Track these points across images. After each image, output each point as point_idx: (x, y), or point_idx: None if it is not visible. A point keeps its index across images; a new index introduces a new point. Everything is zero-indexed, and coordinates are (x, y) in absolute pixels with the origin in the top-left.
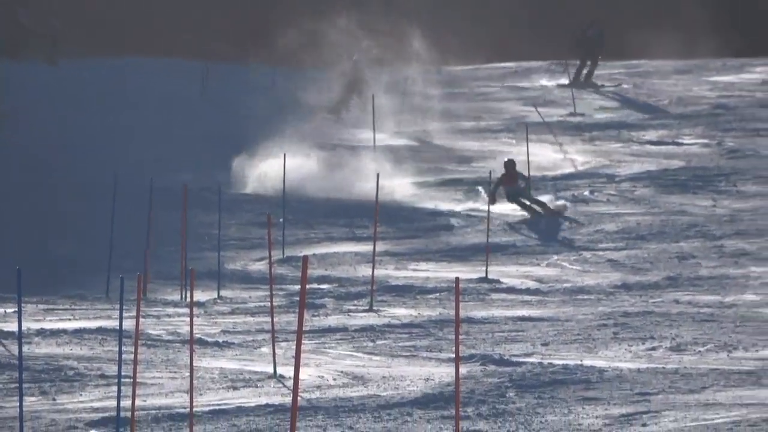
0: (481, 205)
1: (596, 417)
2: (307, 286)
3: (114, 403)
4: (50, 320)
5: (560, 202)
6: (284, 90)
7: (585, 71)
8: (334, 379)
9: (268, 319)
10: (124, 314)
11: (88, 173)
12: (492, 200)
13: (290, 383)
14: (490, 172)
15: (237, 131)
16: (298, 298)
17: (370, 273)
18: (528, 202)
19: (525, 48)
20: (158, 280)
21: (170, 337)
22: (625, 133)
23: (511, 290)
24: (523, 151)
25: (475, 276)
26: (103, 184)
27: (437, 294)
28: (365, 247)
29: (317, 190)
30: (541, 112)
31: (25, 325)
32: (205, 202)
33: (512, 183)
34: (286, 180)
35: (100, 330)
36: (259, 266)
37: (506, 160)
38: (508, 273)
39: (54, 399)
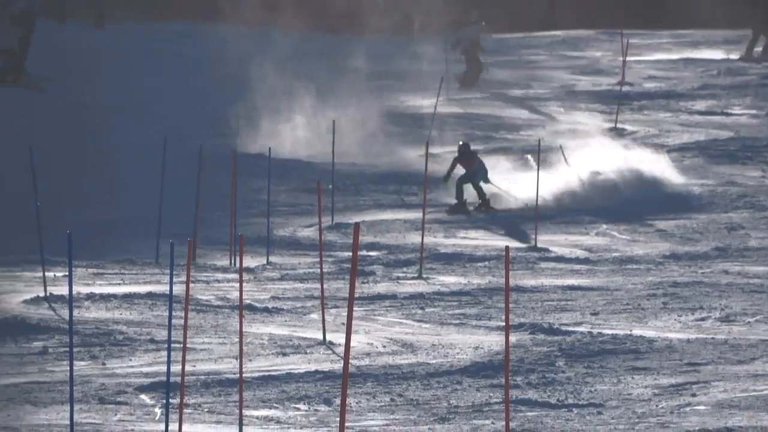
0: (530, 173)
1: (645, 387)
2: (357, 253)
3: (163, 368)
4: (100, 285)
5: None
6: (333, 55)
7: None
8: (384, 347)
9: (318, 285)
10: (174, 279)
11: (137, 137)
12: (446, 178)
13: (339, 350)
14: (539, 140)
15: (288, 97)
16: (347, 265)
17: (420, 240)
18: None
19: (573, 17)
20: (207, 245)
21: (220, 303)
22: (674, 102)
23: (560, 259)
24: (572, 119)
25: (524, 245)
26: (152, 148)
27: (486, 262)
28: (414, 215)
29: (367, 157)
30: (590, 81)
31: (75, 290)
32: (253, 167)
33: (470, 165)
34: (336, 146)
35: (149, 295)
36: (309, 232)
37: (460, 143)
38: (557, 242)
39: (104, 363)
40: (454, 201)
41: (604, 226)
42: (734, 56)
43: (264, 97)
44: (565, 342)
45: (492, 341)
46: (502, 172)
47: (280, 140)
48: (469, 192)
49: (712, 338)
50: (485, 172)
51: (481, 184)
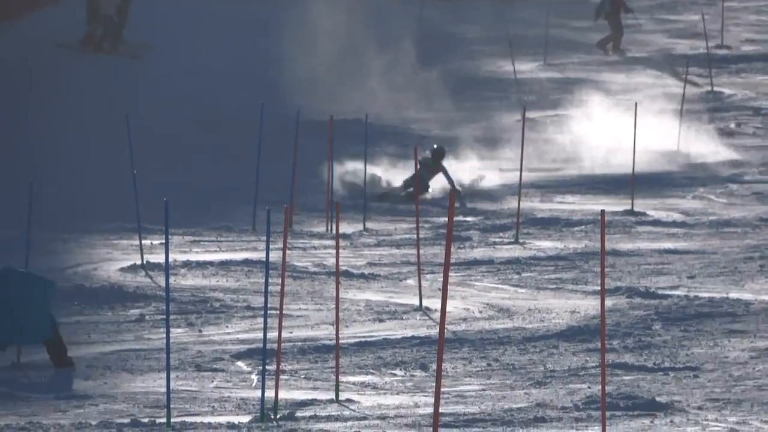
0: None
1: (742, 350)
2: (453, 219)
3: (260, 335)
4: (197, 252)
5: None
6: (430, 23)
7: None
8: (480, 312)
9: (414, 251)
10: (271, 246)
11: (233, 103)
12: (402, 189)
13: (436, 315)
14: (635, 104)
15: (387, 63)
16: (443, 231)
17: (516, 205)
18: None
19: None
20: (304, 212)
21: (316, 269)
22: None
23: (656, 223)
24: (668, 83)
25: (620, 208)
26: (249, 114)
27: (583, 226)
28: (511, 179)
29: (463, 122)
30: (688, 44)
31: (171, 257)
32: (350, 133)
33: (433, 172)
34: (433, 111)
35: (246, 262)
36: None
37: (434, 146)
38: (654, 205)
39: (200, 330)
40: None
41: (701, 189)
42: None
43: (360, 63)
44: (661, 306)
45: (588, 305)
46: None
47: (377, 105)
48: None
49: None
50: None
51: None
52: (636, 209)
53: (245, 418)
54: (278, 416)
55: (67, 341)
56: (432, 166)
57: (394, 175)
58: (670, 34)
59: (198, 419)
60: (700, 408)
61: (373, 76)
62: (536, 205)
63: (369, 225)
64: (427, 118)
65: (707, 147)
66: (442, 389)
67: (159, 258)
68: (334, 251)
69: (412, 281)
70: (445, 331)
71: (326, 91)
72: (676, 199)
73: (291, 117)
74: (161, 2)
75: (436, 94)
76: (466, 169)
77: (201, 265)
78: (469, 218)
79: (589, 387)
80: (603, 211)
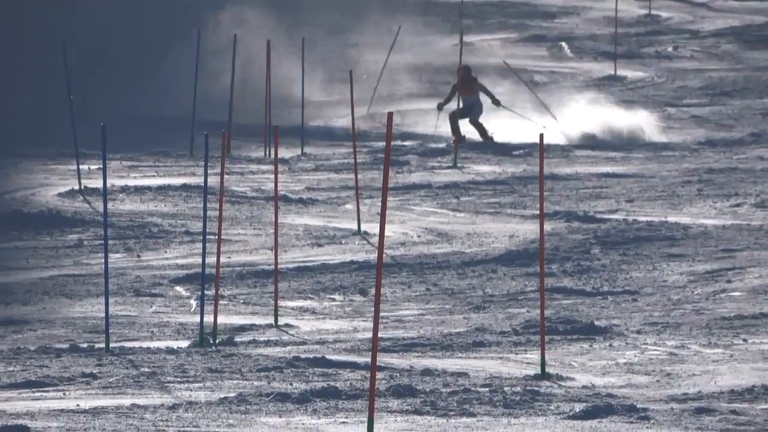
0: (564, 61)
1: (681, 273)
2: (391, 143)
3: (198, 260)
4: (134, 177)
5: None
6: None
7: None
8: (419, 236)
9: (352, 176)
10: (209, 171)
11: (174, 28)
12: (440, 106)
13: (374, 240)
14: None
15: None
16: (381, 155)
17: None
18: (474, 126)
19: None
20: (242, 136)
21: (254, 194)
22: None
23: (594, 147)
24: (607, 6)
25: (557, 132)
26: (187, 39)
27: (521, 150)
28: (449, 104)
29: (401, 46)
30: None
31: (109, 182)
32: (288, 57)
33: (468, 93)
34: (367, 35)
35: (184, 187)
36: (343, 123)
37: (462, 65)
38: (591, 129)
39: (139, 256)
40: (452, 139)
41: (639, 112)
42: None
43: None
44: (600, 230)
45: (527, 229)
46: (536, 60)
47: (317, 28)
48: (467, 128)
49: (747, 224)
50: (480, 106)
51: (495, 106)
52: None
53: (184, 343)
54: (217, 341)
55: (4, 267)
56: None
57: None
58: None
59: (137, 344)
60: (638, 332)
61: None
62: (474, 129)
63: (307, 149)
64: (361, 42)
65: (645, 72)
66: (381, 314)
67: (97, 183)
68: (272, 176)
69: (350, 206)
70: (384, 255)
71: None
72: (614, 123)
73: (228, 40)
74: None
75: (375, 19)
76: (398, 95)
77: (139, 190)
78: (407, 142)
79: (528, 311)
80: (542, 135)
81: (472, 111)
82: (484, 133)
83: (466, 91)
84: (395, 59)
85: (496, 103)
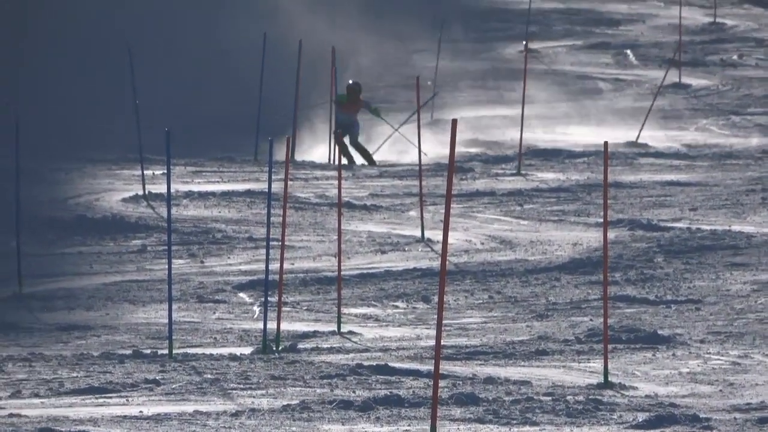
0: (629, 69)
1: (744, 283)
2: (455, 150)
3: (262, 266)
4: (198, 182)
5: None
6: None
7: None
8: (482, 243)
9: (416, 182)
10: (273, 177)
11: (236, 33)
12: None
13: (438, 247)
14: (628, 52)
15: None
16: (445, 162)
17: (519, 137)
18: (352, 149)
19: None
20: (307, 142)
21: (318, 200)
22: None
23: (659, 155)
24: (671, 14)
25: (623, 140)
26: (253, 44)
27: (585, 158)
28: (514, 111)
29: (466, 53)
30: None
31: (174, 188)
32: (356, 64)
33: (351, 111)
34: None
35: (248, 192)
36: (408, 129)
37: (350, 82)
38: (657, 137)
39: (202, 262)
40: (344, 162)
41: (704, 120)
42: None
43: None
44: (663, 238)
45: (590, 237)
46: (601, 66)
47: (378, 37)
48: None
49: None
50: (359, 125)
51: (377, 118)
52: (639, 141)
53: (247, 350)
54: (280, 348)
55: (68, 272)
56: (345, 101)
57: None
58: None
59: (200, 350)
60: (702, 341)
61: (376, 9)
62: (539, 137)
63: (372, 156)
64: (429, 48)
65: (710, 80)
66: (444, 321)
67: (161, 188)
68: (336, 182)
69: (414, 213)
70: (447, 262)
71: (328, 21)
72: (679, 131)
73: (294, 47)
74: None
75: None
76: (463, 101)
77: (203, 195)
78: (471, 149)
79: (591, 320)
80: (606, 143)
81: (352, 130)
82: (367, 155)
83: (351, 108)
84: (459, 65)
85: (375, 112)
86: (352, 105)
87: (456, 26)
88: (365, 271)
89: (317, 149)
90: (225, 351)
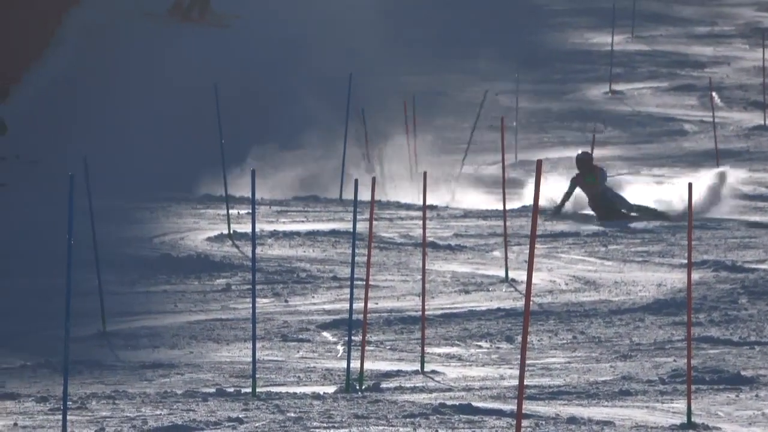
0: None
1: None
2: (539, 190)
3: (346, 305)
4: (283, 222)
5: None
6: None
7: None
8: (566, 284)
9: (500, 222)
10: (358, 217)
11: (320, 71)
12: (559, 207)
13: (522, 287)
14: (709, 80)
15: (472, 37)
16: (530, 203)
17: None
18: (624, 208)
19: None
20: (391, 182)
21: (403, 240)
22: None
23: (744, 196)
24: (756, 56)
25: (707, 182)
26: (339, 81)
27: (669, 200)
28: (598, 152)
29: (550, 94)
30: None
31: (258, 227)
32: (435, 104)
33: (593, 174)
34: (519, 83)
35: (333, 232)
36: (492, 170)
37: (579, 153)
38: (741, 179)
39: (286, 301)
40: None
41: None
42: None
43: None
44: (747, 279)
45: (674, 278)
46: (686, 108)
47: (459, 78)
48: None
49: None
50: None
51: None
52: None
53: (331, 389)
54: (363, 387)
55: (152, 310)
56: (588, 181)
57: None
58: (758, 7)
59: (283, 389)
60: None
61: (458, 49)
62: (624, 177)
63: (456, 196)
64: (510, 89)
65: None
66: (528, 361)
67: (245, 228)
68: (420, 222)
69: (498, 253)
70: (531, 302)
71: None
72: (764, 172)
73: (375, 87)
74: None
75: (514, 68)
76: (548, 142)
77: (288, 235)
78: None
79: (674, 360)
80: (690, 184)
81: (605, 194)
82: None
83: (587, 176)
84: (545, 106)
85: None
86: (587, 172)
87: (539, 68)
88: (449, 311)
89: (402, 189)
90: (308, 390)
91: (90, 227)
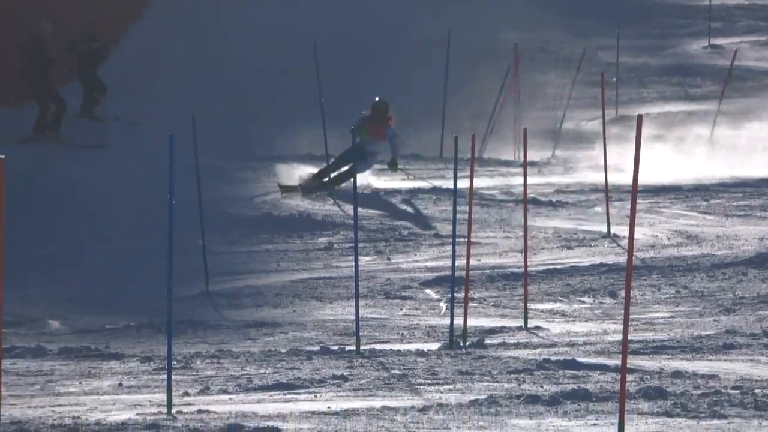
0: None
1: None
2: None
3: (448, 262)
4: (384, 180)
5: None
6: None
7: None
8: (668, 239)
9: (602, 178)
10: (459, 174)
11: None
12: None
13: (624, 242)
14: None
15: None
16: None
17: (704, 133)
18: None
19: None
20: (492, 140)
21: (504, 197)
22: None
23: None
24: None
25: None
26: (437, 45)
27: None
28: (699, 107)
29: (651, 49)
30: None
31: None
32: (538, 60)
33: (380, 135)
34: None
35: (434, 190)
36: (592, 125)
37: (376, 99)
38: None
39: (389, 258)
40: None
41: None
42: None
43: None
44: None
45: None
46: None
47: (561, 32)
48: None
49: None
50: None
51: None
52: None
53: (434, 346)
54: (467, 343)
55: (255, 270)
56: (365, 133)
57: (579, 112)
58: None
59: (387, 347)
60: None
61: (558, 5)
62: (724, 132)
63: (557, 152)
64: (611, 45)
65: None
66: (631, 316)
67: (346, 185)
68: (521, 178)
69: (600, 208)
70: (634, 258)
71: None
72: None
73: (476, 45)
74: None
75: (624, 23)
76: (648, 97)
77: (389, 193)
78: (657, 145)
79: None
80: None
81: (364, 159)
82: (336, 181)
83: (374, 130)
84: (645, 61)
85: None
86: (377, 127)
87: (639, 23)
88: (551, 267)
89: (503, 146)
90: (412, 347)
91: (194, 187)
